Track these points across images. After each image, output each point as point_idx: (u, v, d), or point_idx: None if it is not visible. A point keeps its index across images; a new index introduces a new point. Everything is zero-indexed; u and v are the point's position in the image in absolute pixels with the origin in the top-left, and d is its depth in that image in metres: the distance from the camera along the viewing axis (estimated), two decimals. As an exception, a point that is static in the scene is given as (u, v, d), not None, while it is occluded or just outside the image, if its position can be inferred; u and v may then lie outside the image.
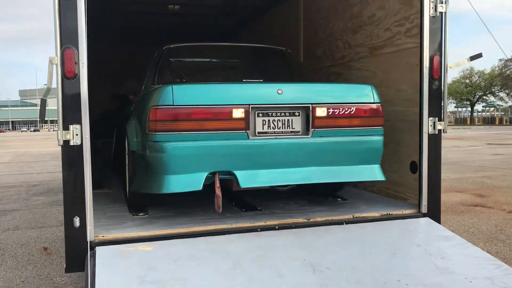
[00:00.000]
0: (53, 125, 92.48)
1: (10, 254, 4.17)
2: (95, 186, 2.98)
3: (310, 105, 3.14)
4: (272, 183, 3.17)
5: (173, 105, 2.90)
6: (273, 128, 3.10)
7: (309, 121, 3.14)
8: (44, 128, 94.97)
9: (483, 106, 68.34)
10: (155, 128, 2.94)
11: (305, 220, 3.25)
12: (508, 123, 58.55)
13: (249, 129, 3.02)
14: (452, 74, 67.40)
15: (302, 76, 4.11)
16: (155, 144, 2.94)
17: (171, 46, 4.09)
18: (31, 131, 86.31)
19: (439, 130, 3.42)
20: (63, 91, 2.70)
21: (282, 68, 4.40)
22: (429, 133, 3.39)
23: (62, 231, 4.86)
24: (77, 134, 2.74)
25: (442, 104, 3.43)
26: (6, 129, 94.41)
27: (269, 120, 3.09)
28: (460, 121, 67.35)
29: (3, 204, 6.70)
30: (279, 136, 3.10)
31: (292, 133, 3.14)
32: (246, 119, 3.00)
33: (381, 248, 2.87)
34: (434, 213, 3.45)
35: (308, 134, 3.15)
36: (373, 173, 3.30)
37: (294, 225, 3.18)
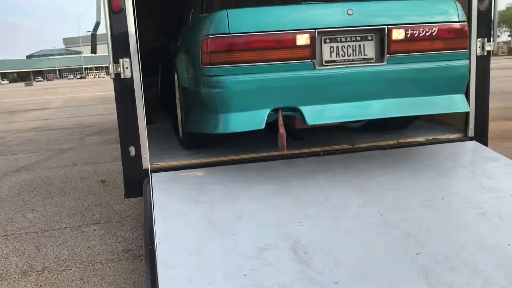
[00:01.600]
0: (98, 72, 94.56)
1: (71, 186, 4.48)
2: (146, 121, 3.10)
3: (386, 26, 2.73)
4: (342, 119, 2.82)
5: (229, 33, 2.61)
6: (342, 55, 2.74)
7: (384, 46, 2.75)
8: (90, 75, 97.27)
9: (540, 34, 64.04)
10: (209, 60, 2.67)
11: (350, 147, 3.31)
12: None
13: (315, 58, 2.68)
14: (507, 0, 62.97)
15: None
16: (210, 78, 2.67)
17: None
18: (77, 78, 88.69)
19: (488, 52, 3.31)
20: (111, 25, 2.79)
21: None
22: (477, 54, 3.29)
23: (117, 166, 5.18)
24: (127, 68, 2.85)
25: (492, 24, 3.30)
26: (54, 77, 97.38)
27: (337, 47, 2.73)
28: (513, 51, 63.64)
29: (60, 144, 7.10)
30: (350, 64, 2.74)
31: (365, 61, 2.76)
32: (311, 46, 2.66)
33: (426, 170, 2.91)
34: (481, 137, 3.42)
35: (383, 61, 2.77)
36: (457, 103, 2.89)
37: (339, 151, 3.24)
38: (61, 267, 2.70)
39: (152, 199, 2.63)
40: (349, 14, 2.70)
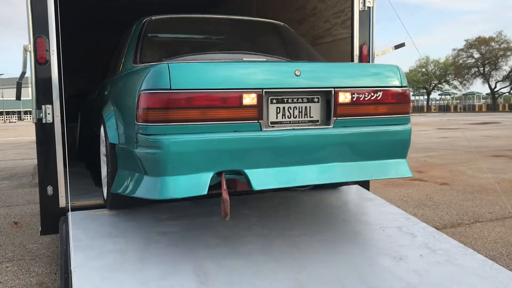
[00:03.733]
0: (9, 117, 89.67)
1: (-18, 228, 4.48)
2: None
3: (332, 89, 2.68)
4: (290, 184, 2.65)
5: (170, 89, 2.38)
6: (288, 117, 2.64)
7: (330, 109, 2.69)
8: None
9: (439, 94, 71.00)
10: (146, 117, 2.43)
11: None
12: (462, 111, 61.07)
13: (262, 119, 2.55)
14: (409, 63, 69.93)
15: (307, 57, 3.58)
16: (147, 137, 2.44)
17: (153, 18, 3.53)
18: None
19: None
20: (36, 75, 3.07)
21: (282, 46, 3.81)
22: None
23: (31, 208, 5.21)
24: (49, 113, 3.11)
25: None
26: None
27: (284, 108, 2.63)
28: (417, 109, 69.62)
29: (-32, 188, 6.89)
30: (296, 126, 2.66)
31: (310, 123, 2.69)
32: (259, 106, 2.53)
33: (312, 207, 3.41)
34: (364, 182, 4.01)
35: (329, 124, 2.70)
36: (401, 168, 2.88)
37: (248, 192, 3.66)
38: (-28, 301, 2.80)
39: (69, 235, 2.85)
40: (297, 75, 2.61)
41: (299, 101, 2.67)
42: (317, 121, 2.71)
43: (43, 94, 3.10)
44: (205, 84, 2.44)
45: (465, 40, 58.41)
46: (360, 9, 3.90)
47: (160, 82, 2.39)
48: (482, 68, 57.66)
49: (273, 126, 2.60)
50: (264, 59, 3.20)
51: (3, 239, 4.06)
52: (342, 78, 2.75)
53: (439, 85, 66.42)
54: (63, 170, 3.20)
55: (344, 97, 2.71)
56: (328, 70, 2.80)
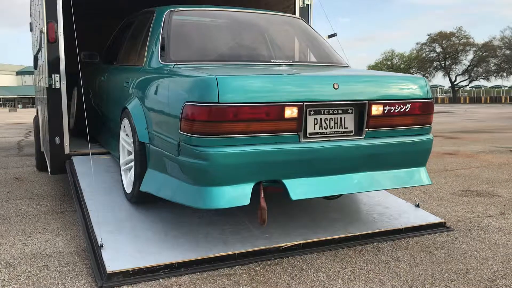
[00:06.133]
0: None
1: (-11, 181, 5.36)
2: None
3: (366, 101, 2.80)
4: (325, 193, 2.78)
5: (218, 103, 2.43)
6: (324, 128, 2.74)
7: (363, 120, 2.81)
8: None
9: (403, 87, 73.46)
10: (192, 128, 2.49)
11: None
12: (424, 102, 63.62)
13: (301, 131, 2.64)
14: (375, 57, 71.94)
15: (321, 52, 3.84)
16: (194, 148, 2.50)
17: (175, 9, 3.55)
18: None
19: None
20: (48, 51, 4.00)
21: (302, 43, 3.97)
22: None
23: (26, 169, 6.15)
24: (57, 81, 4.06)
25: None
26: None
27: (321, 119, 2.72)
28: (382, 101, 71.76)
29: (-38, 157, 7.67)
30: (332, 137, 2.75)
31: (345, 133, 2.80)
32: (299, 119, 2.62)
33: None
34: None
35: (361, 135, 2.82)
36: (421, 176, 3.06)
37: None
38: (3, 218, 3.74)
39: (75, 170, 3.83)
40: (335, 88, 2.71)
41: (334, 112, 2.77)
42: (351, 131, 2.82)
43: (52, 66, 4.03)
44: (251, 98, 2.51)
45: (428, 35, 60.65)
46: (300, 6, 4.96)
47: (209, 96, 2.44)
48: (443, 62, 60.15)
49: (310, 137, 2.70)
50: (291, 61, 3.51)
51: (11, 188, 4.98)
52: (375, 90, 2.86)
53: (404, 78, 68.72)
54: (66, 126, 4.15)
55: (376, 109, 2.82)
56: (362, 82, 2.91)
